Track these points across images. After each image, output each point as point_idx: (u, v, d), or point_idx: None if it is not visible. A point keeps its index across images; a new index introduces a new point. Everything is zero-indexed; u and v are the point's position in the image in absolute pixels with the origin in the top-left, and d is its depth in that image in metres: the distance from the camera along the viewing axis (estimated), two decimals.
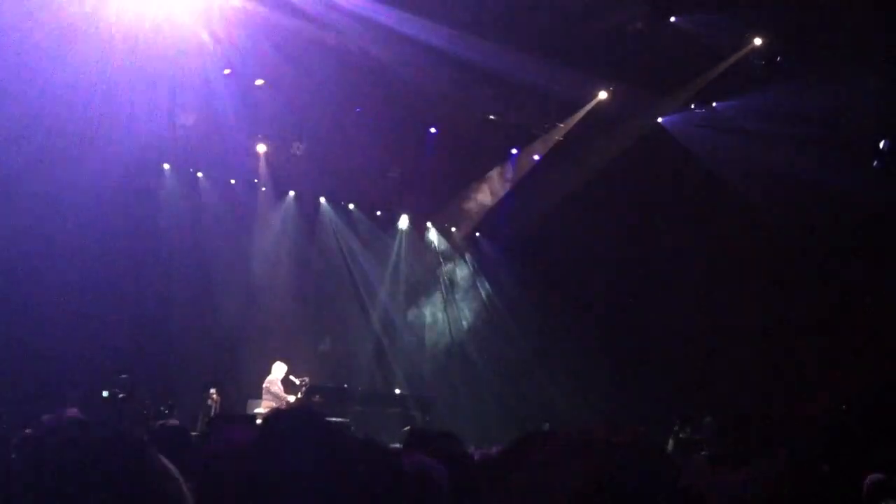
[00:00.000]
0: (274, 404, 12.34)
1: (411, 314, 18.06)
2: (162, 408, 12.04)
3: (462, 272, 18.62)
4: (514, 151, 17.23)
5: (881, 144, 12.85)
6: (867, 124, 13.07)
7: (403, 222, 18.22)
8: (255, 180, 16.48)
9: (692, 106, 15.10)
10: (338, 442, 1.95)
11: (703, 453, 9.77)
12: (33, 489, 1.51)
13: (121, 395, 12.08)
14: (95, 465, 1.54)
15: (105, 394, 12.40)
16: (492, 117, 15.83)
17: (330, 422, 2.13)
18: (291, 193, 17.12)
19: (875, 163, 12.92)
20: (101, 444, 1.59)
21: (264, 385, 12.94)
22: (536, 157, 16.94)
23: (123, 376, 12.41)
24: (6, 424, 8.02)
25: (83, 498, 1.50)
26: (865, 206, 13.38)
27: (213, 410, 12.87)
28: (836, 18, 12.08)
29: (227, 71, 13.74)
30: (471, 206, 17.98)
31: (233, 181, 16.43)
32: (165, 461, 1.62)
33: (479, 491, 2.39)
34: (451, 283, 18.48)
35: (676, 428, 12.90)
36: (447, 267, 18.55)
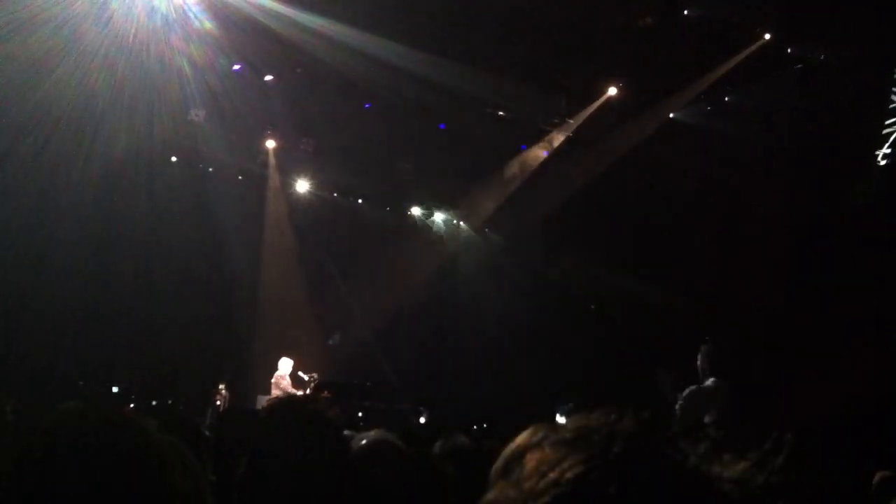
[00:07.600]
0: None
1: (421, 308, 18.00)
2: (169, 402, 12.09)
3: (471, 266, 18.58)
4: (523, 147, 17.19)
5: None
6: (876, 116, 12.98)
7: (413, 216, 18.19)
8: (264, 175, 16.48)
9: (703, 100, 15.01)
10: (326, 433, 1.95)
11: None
12: (47, 478, 1.50)
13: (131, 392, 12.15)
14: (107, 452, 1.53)
15: (115, 389, 12.48)
16: (501, 113, 15.79)
17: (318, 413, 2.12)
18: (300, 188, 17.13)
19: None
20: (113, 431, 1.58)
21: (273, 381, 12.96)
22: (545, 153, 16.89)
23: (133, 375, 12.49)
24: (16, 418, 8.04)
25: (96, 486, 1.48)
26: (876, 198, 13.26)
27: (221, 406, 12.90)
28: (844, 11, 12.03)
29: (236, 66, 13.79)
30: (479, 200, 17.94)
31: (240, 177, 16.44)
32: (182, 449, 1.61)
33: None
34: (461, 276, 18.44)
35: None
36: (456, 260, 18.51)
